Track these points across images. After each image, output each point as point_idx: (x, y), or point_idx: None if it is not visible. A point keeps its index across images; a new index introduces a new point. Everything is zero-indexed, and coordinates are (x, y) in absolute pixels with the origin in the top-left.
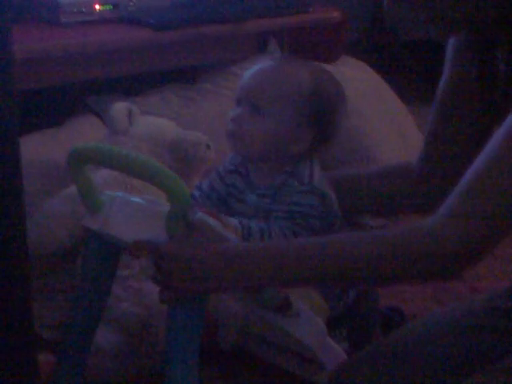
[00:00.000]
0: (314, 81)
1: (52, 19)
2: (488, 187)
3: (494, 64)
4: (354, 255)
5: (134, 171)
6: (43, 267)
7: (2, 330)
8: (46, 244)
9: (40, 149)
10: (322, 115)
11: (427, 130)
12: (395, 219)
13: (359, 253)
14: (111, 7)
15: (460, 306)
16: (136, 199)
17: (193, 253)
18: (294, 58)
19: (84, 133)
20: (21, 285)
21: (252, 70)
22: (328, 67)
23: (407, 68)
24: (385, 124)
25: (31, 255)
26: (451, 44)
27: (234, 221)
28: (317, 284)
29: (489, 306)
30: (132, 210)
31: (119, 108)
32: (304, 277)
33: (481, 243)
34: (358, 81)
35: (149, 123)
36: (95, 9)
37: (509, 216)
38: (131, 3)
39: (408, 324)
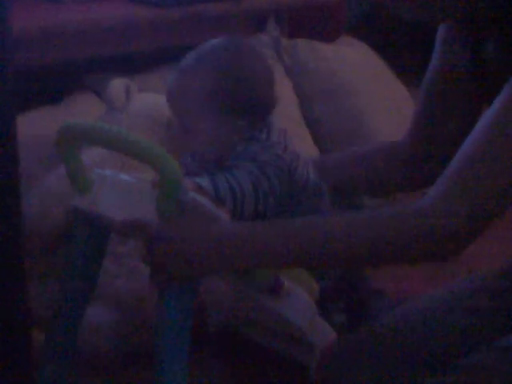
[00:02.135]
0: (225, 75)
1: None
2: (483, 166)
3: (486, 47)
4: (351, 236)
5: (124, 150)
6: (40, 246)
7: None
8: (43, 222)
9: (38, 126)
10: (244, 100)
11: (415, 108)
12: (391, 199)
13: (356, 234)
14: None
15: (456, 286)
16: (126, 178)
17: (184, 234)
18: (199, 53)
19: (83, 111)
20: (16, 264)
21: (170, 84)
22: (328, 47)
23: (408, 49)
24: (384, 105)
25: (27, 233)
26: (442, 26)
27: (203, 182)
28: (312, 265)
29: (483, 286)
30: (122, 189)
31: (117, 85)
32: (299, 258)
33: (477, 221)
34: (357, 61)
35: (146, 100)
36: None
37: (505, 194)
38: None
39: (404, 305)
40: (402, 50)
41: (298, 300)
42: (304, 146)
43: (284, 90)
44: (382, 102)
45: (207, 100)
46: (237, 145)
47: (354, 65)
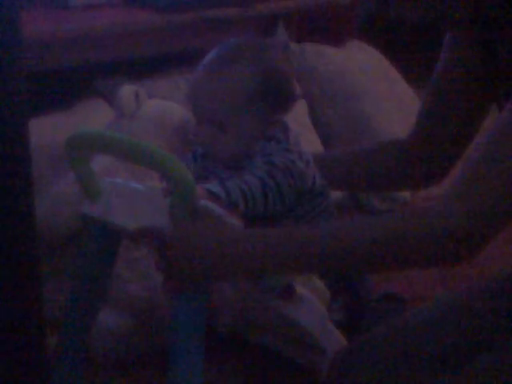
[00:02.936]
0: (260, 68)
1: (59, 2)
2: (495, 169)
3: (496, 48)
4: (359, 240)
5: (136, 158)
6: (51, 249)
7: (13, 312)
8: (54, 226)
9: (48, 132)
10: (278, 94)
11: (420, 107)
12: (403, 203)
13: (364, 238)
14: None
15: (464, 289)
16: (136, 186)
17: (197, 240)
18: (230, 50)
19: (92, 116)
20: (31, 267)
21: (194, 82)
22: (336, 51)
23: (416, 52)
24: (393, 108)
25: (39, 237)
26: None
27: (214, 188)
28: (320, 270)
29: (487, 288)
30: (132, 197)
31: (126, 91)
32: (309, 263)
33: (488, 225)
34: (366, 65)
35: (156, 106)
36: None
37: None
38: None
39: (415, 309)
40: (410, 52)
41: (310, 306)
42: (312, 150)
43: None
44: (391, 105)
45: (246, 94)
46: (255, 144)
47: (362, 68)
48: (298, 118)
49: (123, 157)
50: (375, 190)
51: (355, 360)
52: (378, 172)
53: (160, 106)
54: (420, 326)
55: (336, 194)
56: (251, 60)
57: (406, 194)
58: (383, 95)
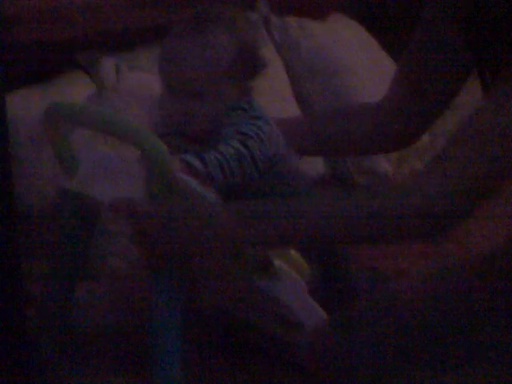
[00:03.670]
0: (235, 36)
1: None
2: (466, 151)
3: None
4: (335, 216)
5: (111, 132)
6: (32, 224)
7: None
8: (35, 201)
9: (28, 105)
10: (251, 61)
11: (396, 72)
12: (382, 178)
13: (339, 214)
14: None
15: (453, 270)
16: (115, 158)
17: (173, 214)
18: (203, 19)
19: (73, 89)
20: (9, 242)
21: (168, 51)
22: (318, 25)
23: (399, 26)
24: (375, 83)
25: (20, 213)
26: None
27: (191, 159)
28: (296, 244)
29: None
30: (110, 169)
31: (106, 64)
32: (285, 236)
33: (458, 204)
34: (348, 39)
35: (137, 79)
36: None
37: (489, 178)
38: None
39: (396, 282)
40: (393, 27)
41: (288, 279)
42: None
43: (274, 69)
44: (373, 79)
45: (223, 62)
46: (224, 116)
47: (344, 42)
48: (279, 92)
49: (98, 130)
50: (347, 152)
51: (340, 341)
52: (350, 133)
53: (140, 78)
54: (409, 306)
55: (317, 168)
56: (225, 28)
57: (387, 168)
58: (365, 69)
